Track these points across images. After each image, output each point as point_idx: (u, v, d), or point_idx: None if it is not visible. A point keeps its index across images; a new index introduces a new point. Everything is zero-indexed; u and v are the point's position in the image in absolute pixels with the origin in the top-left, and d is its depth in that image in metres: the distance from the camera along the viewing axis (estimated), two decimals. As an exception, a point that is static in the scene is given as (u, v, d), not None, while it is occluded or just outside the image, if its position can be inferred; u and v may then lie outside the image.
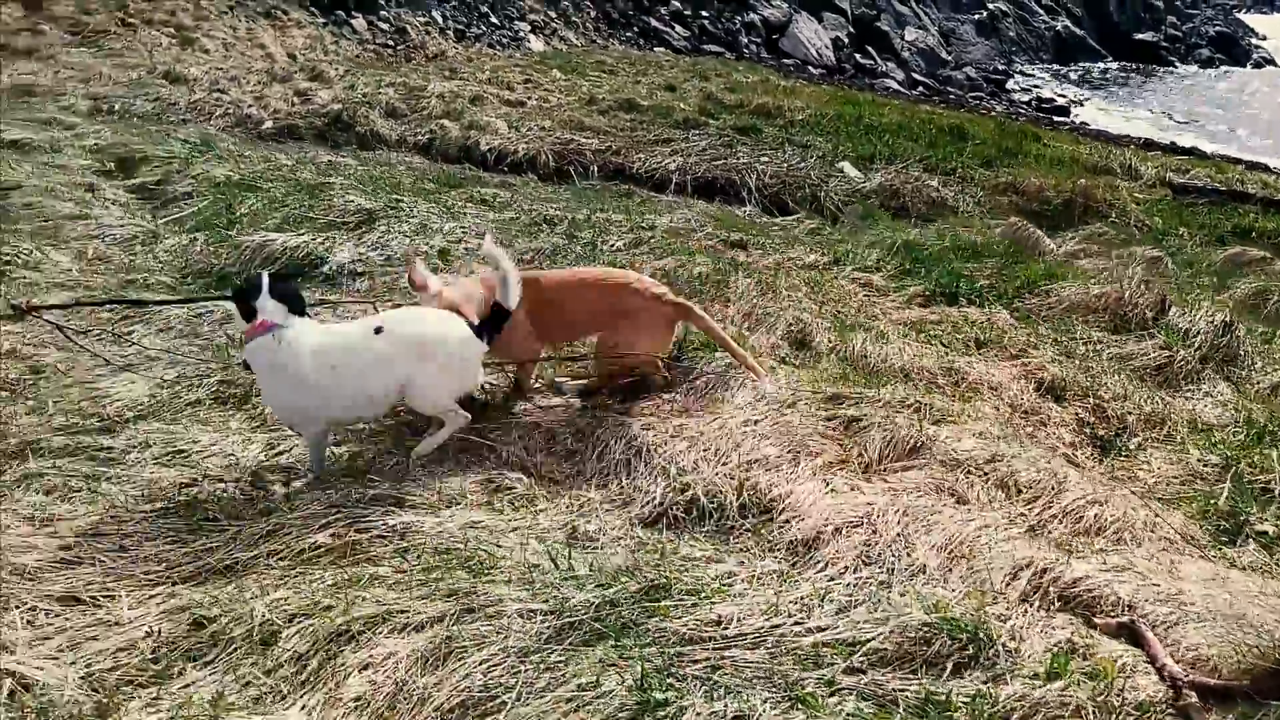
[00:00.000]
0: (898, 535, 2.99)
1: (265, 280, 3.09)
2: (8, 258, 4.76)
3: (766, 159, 9.47)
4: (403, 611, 2.49)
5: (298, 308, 3.15)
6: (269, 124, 9.78)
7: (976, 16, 31.45)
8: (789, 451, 3.49)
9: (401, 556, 2.87)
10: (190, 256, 5.09)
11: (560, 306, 3.76)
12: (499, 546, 2.95)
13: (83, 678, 2.27)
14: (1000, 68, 29.24)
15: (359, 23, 17.00)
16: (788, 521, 3.07)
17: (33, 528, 2.88)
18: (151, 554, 2.80)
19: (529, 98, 11.88)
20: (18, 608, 2.51)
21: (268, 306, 3.06)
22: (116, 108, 9.02)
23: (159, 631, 2.43)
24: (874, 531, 3.01)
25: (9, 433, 3.36)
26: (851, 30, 26.62)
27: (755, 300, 4.94)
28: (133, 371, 3.84)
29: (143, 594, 2.63)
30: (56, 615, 2.51)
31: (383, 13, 17.58)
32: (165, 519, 2.97)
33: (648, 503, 3.29)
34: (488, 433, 3.56)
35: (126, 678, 2.31)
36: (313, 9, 16.66)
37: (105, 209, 5.59)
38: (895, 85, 23.63)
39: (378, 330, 3.21)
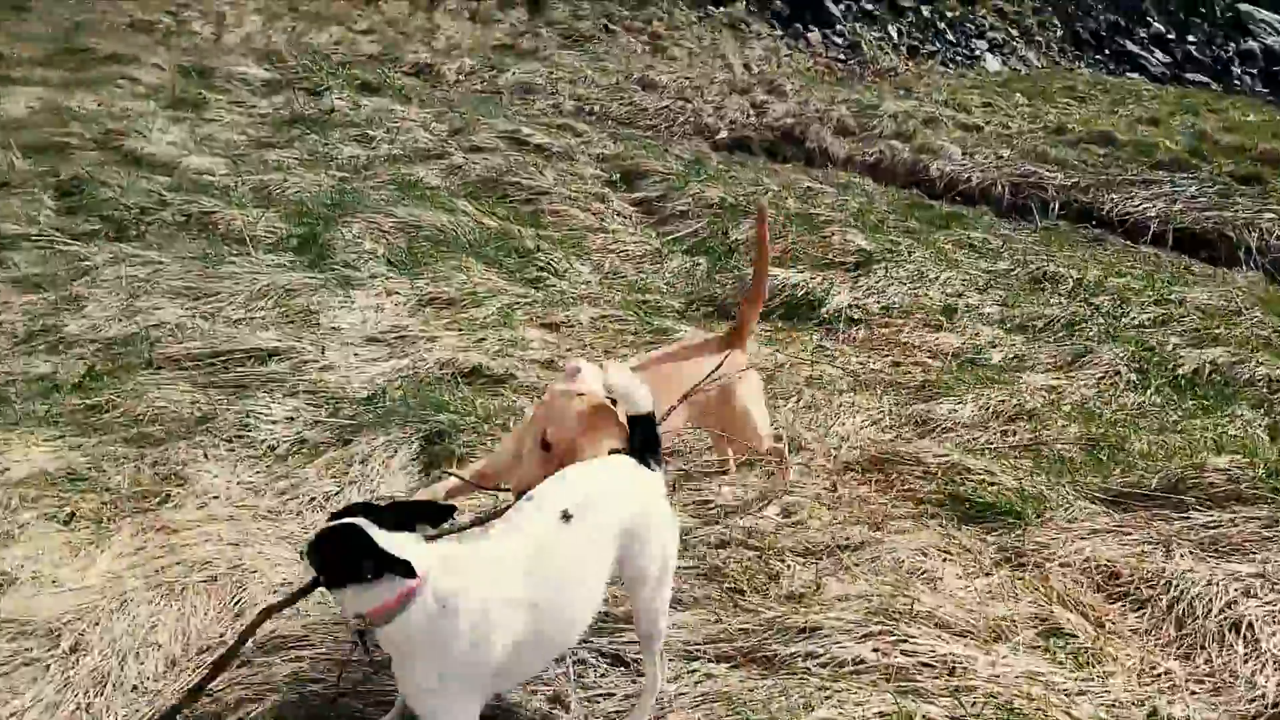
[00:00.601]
0: None
1: (365, 525, 1.86)
2: (542, 265, 5.21)
3: (1274, 216, 7.85)
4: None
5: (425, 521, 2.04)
6: (724, 134, 10.07)
7: None
8: None
9: (955, 698, 2.53)
10: (695, 281, 5.22)
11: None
12: (1068, 717, 2.51)
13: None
14: None
15: (814, 36, 17.15)
16: None
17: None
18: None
19: (987, 122, 11.06)
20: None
21: (393, 546, 1.83)
22: (596, 109, 9.82)
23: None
24: None
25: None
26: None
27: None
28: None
29: (678, 665, 2.56)
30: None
31: (839, 27, 17.59)
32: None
33: (1254, 698, 2.65)
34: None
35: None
36: (773, 21, 17.12)
37: (617, 222, 5.97)
38: None
39: (566, 517, 2.07)
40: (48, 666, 2.43)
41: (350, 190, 5.78)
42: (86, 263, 4.72)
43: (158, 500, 3.21)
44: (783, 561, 3.01)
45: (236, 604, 2.70)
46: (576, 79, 11.34)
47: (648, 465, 2.28)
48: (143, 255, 4.80)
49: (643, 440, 2.30)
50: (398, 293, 4.72)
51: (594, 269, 5.36)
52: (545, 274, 5.12)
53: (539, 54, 12.62)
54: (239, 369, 4.00)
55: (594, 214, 6.05)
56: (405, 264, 5.00)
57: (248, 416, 3.68)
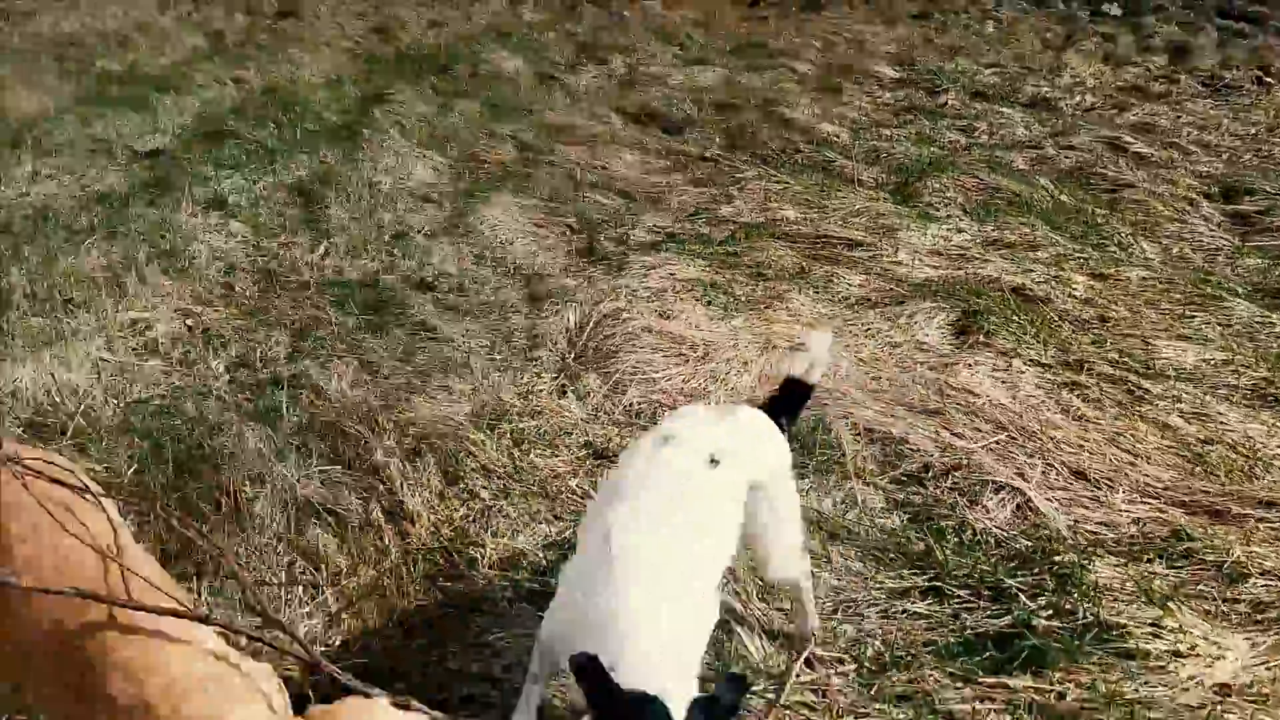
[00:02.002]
0: None
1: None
2: (1105, 234, 5.70)
3: None
4: None
5: None
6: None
7: None
8: None
9: None
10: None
11: None
12: None
13: None
14: None
15: None
16: None
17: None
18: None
19: None
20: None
21: None
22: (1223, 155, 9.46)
23: None
24: None
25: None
26: None
27: None
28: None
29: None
30: None
31: None
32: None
33: None
34: None
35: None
36: None
37: (1201, 223, 6.13)
38: None
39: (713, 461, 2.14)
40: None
41: (944, 158, 6.86)
42: (740, 175, 6.52)
43: (765, 307, 4.66)
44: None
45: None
46: (1206, 125, 10.98)
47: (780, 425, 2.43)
48: (777, 176, 6.46)
49: (786, 404, 2.52)
50: (964, 231, 5.67)
51: (1161, 250, 5.67)
52: (1105, 242, 5.63)
53: (1170, 98, 12.37)
54: (832, 249, 5.34)
55: (1176, 211, 6.27)
56: (978, 213, 5.92)
57: (831, 279, 4.98)
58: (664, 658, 1.75)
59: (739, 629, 2.73)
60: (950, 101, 8.59)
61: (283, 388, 3.89)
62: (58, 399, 3.65)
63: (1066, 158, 7.28)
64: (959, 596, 2.91)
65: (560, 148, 6.94)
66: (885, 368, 4.23)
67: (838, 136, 7.51)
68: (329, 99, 7.86)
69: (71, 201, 5.55)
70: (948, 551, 3.08)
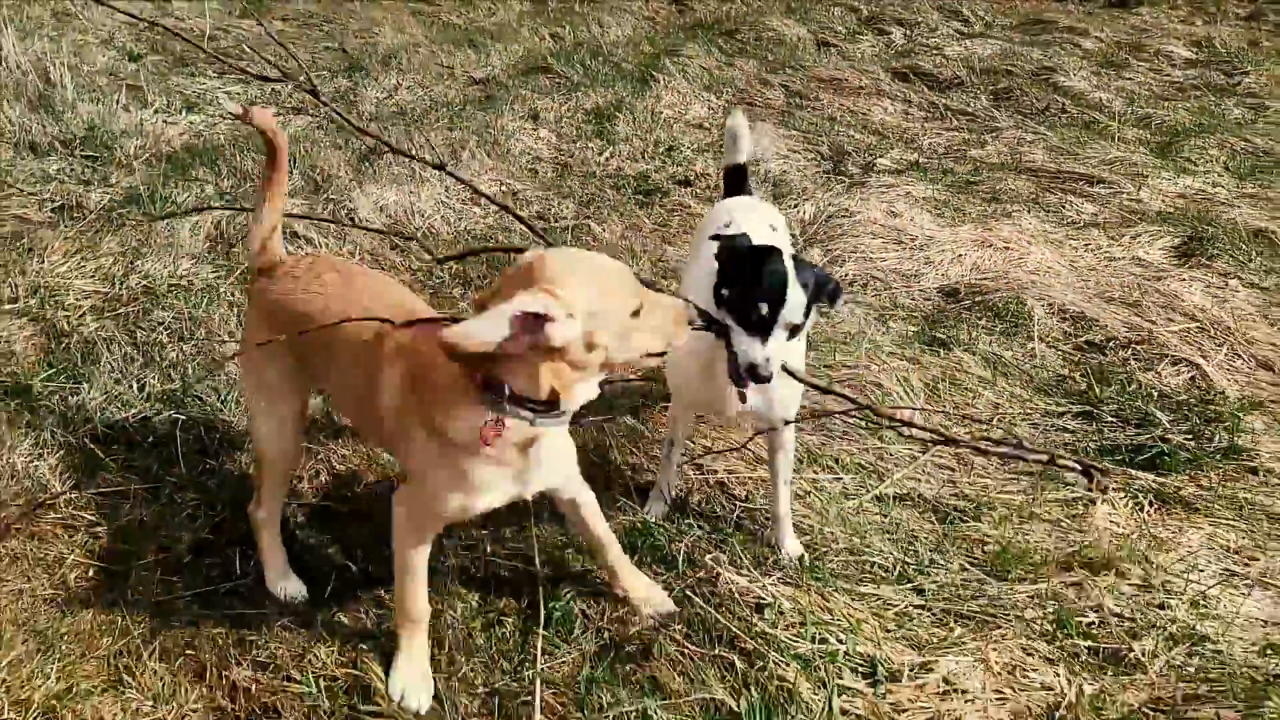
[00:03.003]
0: None
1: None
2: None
3: None
4: None
5: None
6: None
7: None
8: None
9: None
10: None
11: None
12: None
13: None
14: None
15: None
16: None
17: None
18: None
19: None
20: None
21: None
22: None
23: None
24: None
25: None
26: None
27: None
28: None
29: None
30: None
31: None
32: None
33: None
34: None
35: None
36: None
37: None
38: None
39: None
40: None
41: (1217, 124, 6.84)
42: (997, 126, 6.92)
43: (992, 221, 5.13)
44: None
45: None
46: None
47: None
48: (1035, 129, 6.78)
49: (736, 183, 3.39)
50: (1220, 186, 5.77)
51: None
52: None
53: None
54: (1073, 183, 5.68)
55: None
56: (1240, 170, 5.97)
57: (1064, 205, 5.35)
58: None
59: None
60: (1248, 82, 8.33)
61: (569, 233, 4.96)
62: (409, 216, 4.96)
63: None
64: (1107, 421, 3.35)
65: (826, 96, 7.65)
66: (1096, 274, 4.58)
67: (1110, 103, 7.63)
68: (628, 52, 9.08)
69: (423, 105, 7.06)
70: (1109, 392, 3.51)
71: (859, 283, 4.54)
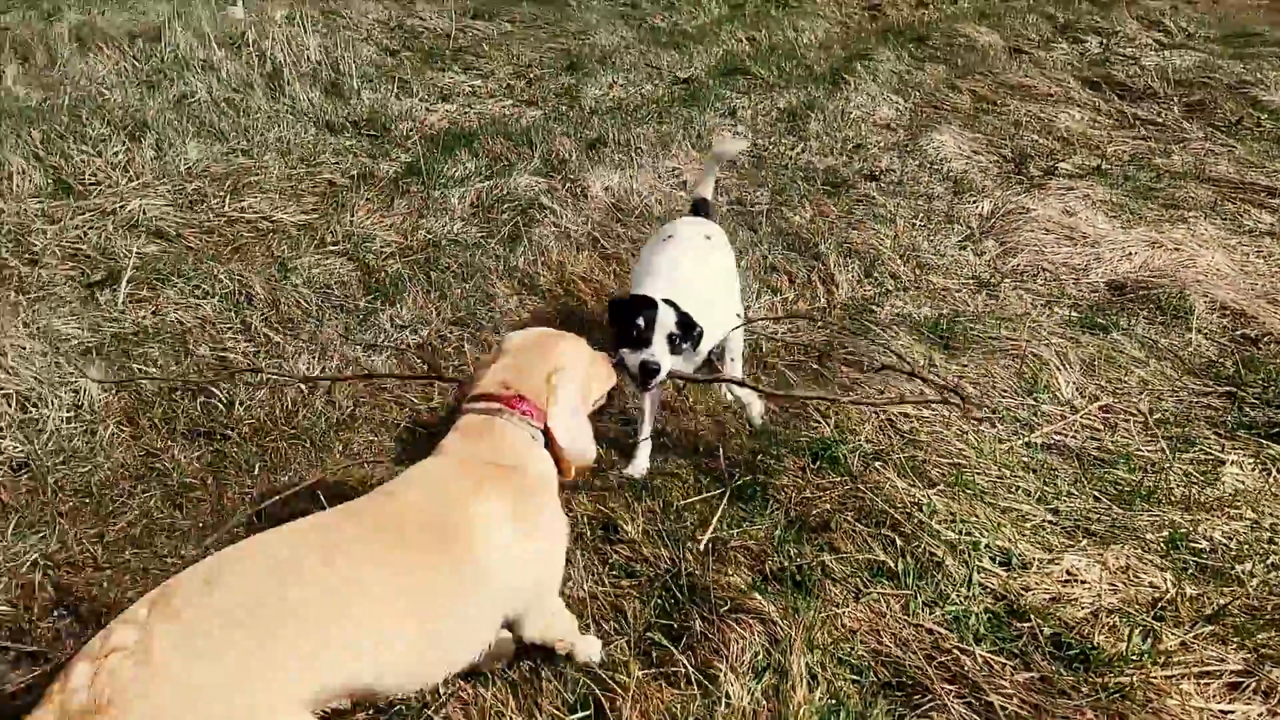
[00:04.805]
0: None
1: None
2: None
3: None
4: None
5: None
6: None
7: None
8: None
9: None
10: None
11: None
12: None
13: None
14: None
15: None
16: None
17: None
18: None
19: None
20: None
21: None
22: None
23: None
24: None
25: None
26: None
27: None
28: None
29: None
30: None
31: None
32: None
33: None
34: None
35: None
36: None
37: None
38: None
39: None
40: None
41: None
42: (1185, 137, 7.11)
43: (1167, 225, 5.47)
44: None
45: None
46: None
47: None
48: (1224, 140, 6.94)
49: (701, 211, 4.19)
50: None
51: None
52: None
53: None
54: (1255, 195, 5.90)
55: None
56: None
57: (1242, 214, 5.61)
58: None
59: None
60: None
61: (765, 216, 5.68)
62: (628, 195, 5.84)
63: None
64: (1249, 402, 3.75)
65: (1013, 102, 8.01)
66: (1265, 280, 4.87)
67: (1263, 81, 7.63)
68: (820, 55, 9.68)
69: (634, 100, 7.94)
70: (1256, 378, 3.89)
71: (1029, 273, 5.03)
